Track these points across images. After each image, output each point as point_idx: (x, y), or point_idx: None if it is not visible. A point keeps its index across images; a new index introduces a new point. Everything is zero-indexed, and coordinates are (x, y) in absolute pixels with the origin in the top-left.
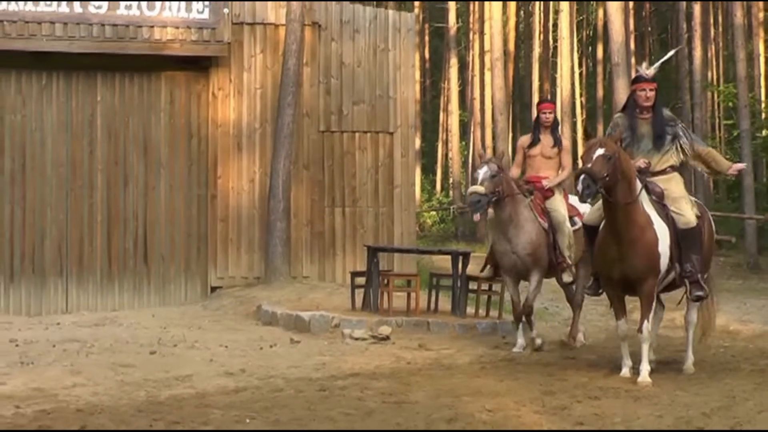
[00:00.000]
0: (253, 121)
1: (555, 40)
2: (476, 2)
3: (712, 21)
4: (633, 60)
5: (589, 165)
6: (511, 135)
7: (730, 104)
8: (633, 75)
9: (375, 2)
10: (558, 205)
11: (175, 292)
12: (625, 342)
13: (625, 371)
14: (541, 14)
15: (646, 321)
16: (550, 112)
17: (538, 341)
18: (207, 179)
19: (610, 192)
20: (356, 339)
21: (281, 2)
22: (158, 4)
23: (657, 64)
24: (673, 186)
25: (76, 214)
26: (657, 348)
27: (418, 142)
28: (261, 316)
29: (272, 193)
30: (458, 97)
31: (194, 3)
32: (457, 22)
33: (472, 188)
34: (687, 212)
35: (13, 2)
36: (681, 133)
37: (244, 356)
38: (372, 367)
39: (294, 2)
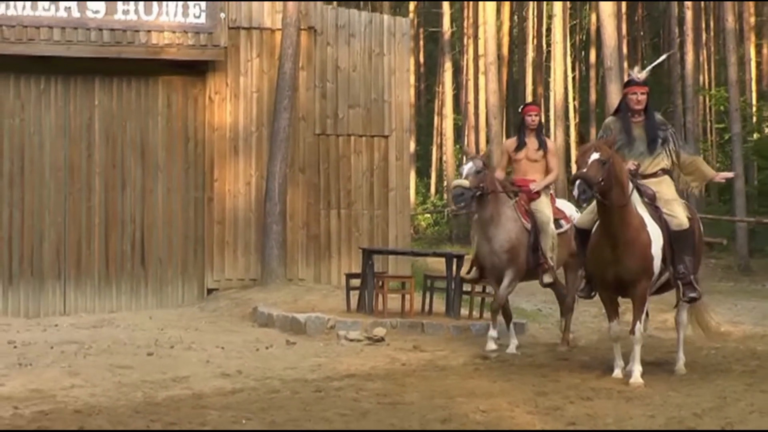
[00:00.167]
0: (249, 124)
1: (548, 45)
2: (470, 7)
3: (703, 25)
4: (625, 64)
5: (585, 170)
6: (504, 138)
7: (722, 108)
8: (625, 79)
9: (370, 7)
10: (543, 206)
11: (172, 294)
12: (618, 343)
13: (618, 372)
14: (535, 19)
15: (638, 322)
16: (535, 115)
17: (493, 345)
18: (204, 182)
19: (605, 196)
20: (351, 340)
21: (277, 6)
22: (155, 9)
23: (648, 68)
24: (665, 188)
25: (74, 217)
26: (649, 349)
27: (412, 146)
28: (257, 318)
29: (268, 195)
30: (452, 100)
31: (191, 8)
32: (452, 27)
33: (457, 182)
34: (679, 214)
35: (11, 7)
36: (670, 139)
37: (241, 358)
38: (367, 368)
39: (290, 6)
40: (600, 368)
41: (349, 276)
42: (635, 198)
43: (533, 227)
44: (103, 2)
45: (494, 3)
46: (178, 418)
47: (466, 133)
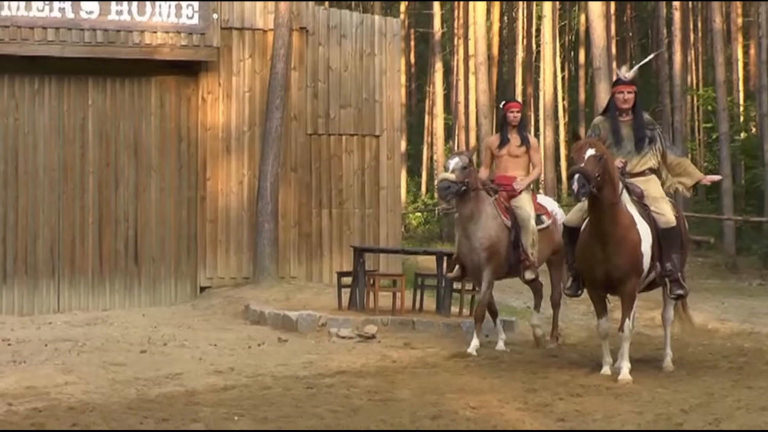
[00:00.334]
0: (241, 124)
1: (538, 45)
2: (461, 8)
3: (691, 26)
4: (614, 64)
5: (582, 164)
6: None
7: (710, 108)
8: (614, 78)
9: (361, 8)
10: (524, 202)
11: (165, 292)
12: (606, 341)
13: (606, 369)
14: (525, 19)
15: (627, 320)
16: (517, 111)
17: (473, 351)
18: (197, 181)
19: (600, 192)
20: (343, 338)
21: (269, 6)
22: (149, 9)
23: (636, 68)
24: (652, 187)
25: (68, 216)
26: (637, 346)
27: (403, 145)
28: (249, 316)
29: (260, 194)
30: (443, 100)
31: (184, 9)
32: (442, 28)
33: (443, 175)
34: (667, 212)
35: (5, 7)
36: (658, 138)
37: (233, 355)
38: (358, 365)
39: (282, 7)
40: (589, 365)
41: (341, 274)
42: (624, 196)
43: (514, 224)
44: (96, 3)
45: (484, 4)
46: (170, 414)
47: (457, 132)
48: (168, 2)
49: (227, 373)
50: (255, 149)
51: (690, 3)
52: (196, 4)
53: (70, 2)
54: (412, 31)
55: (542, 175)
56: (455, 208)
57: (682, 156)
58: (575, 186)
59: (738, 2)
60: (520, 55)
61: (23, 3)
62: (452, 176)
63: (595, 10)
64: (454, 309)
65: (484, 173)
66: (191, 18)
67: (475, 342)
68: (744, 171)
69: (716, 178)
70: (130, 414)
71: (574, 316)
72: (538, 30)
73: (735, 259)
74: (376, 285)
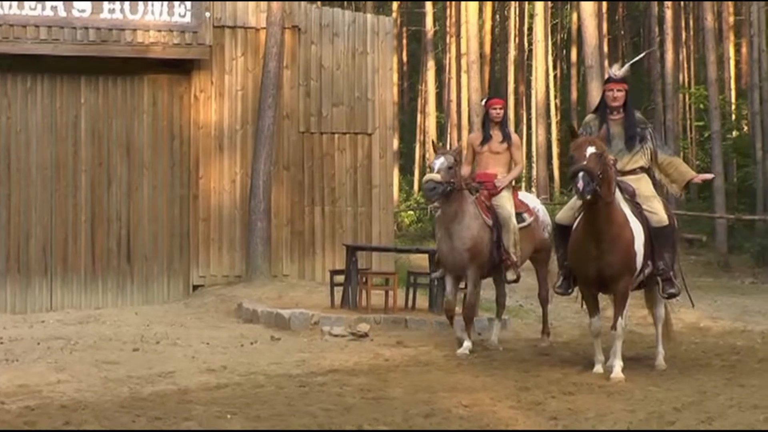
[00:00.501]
0: (234, 122)
1: (530, 43)
2: (453, 6)
3: (683, 25)
4: (606, 63)
5: (585, 162)
6: None
7: (701, 106)
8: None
9: (353, 6)
10: (504, 201)
11: (158, 291)
12: (598, 339)
13: (599, 367)
14: (517, 18)
15: (620, 318)
16: (500, 108)
17: (466, 350)
18: (189, 180)
19: (599, 189)
20: (335, 336)
21: (262, 5)
22: (141, 8)
23: (626, 66)
24: (643, 186)
25: (61, 214)
26: (630, 344)
27: (396, 143)
28: (242, 314)
29: (253, 193)
30: (435, 99)
31: (176, 7)
32: (434, 26)
33: (429, 176)
34: (660, 211)
35: None
36: (648, 138)
37: (226, 353)
38: (351, 363)
39: (275, 5)
40: (581, 363)
41: (333, 272)
42: (617, 194)
43: (495, 223)
44: (89, 1)
45: (476, 2)
46: (163, 412)
47: (449, 130)
48: (160, 1)
49: (220, 371)
50: (247, 148)
51: (682, 1)
52: (188, 2)
53: (62, 1)
54: (404, 29)
55: (534, 173)
56: (439, 207)
57: (673, 155)
58: (580, 184)
59: (729, 1)
60: (512, 53)
61: (16, 1)
62: (438, 177)
63: (587, 8)
64: None
65: (465, 170)
66: (183, 16)
67: (467, 343)
68: (736, 169)
69: (708, 176)
70: (122, 412)
71: (567, 314)
72: (530, 28)
73: (727, 258)
74: (369, 283)
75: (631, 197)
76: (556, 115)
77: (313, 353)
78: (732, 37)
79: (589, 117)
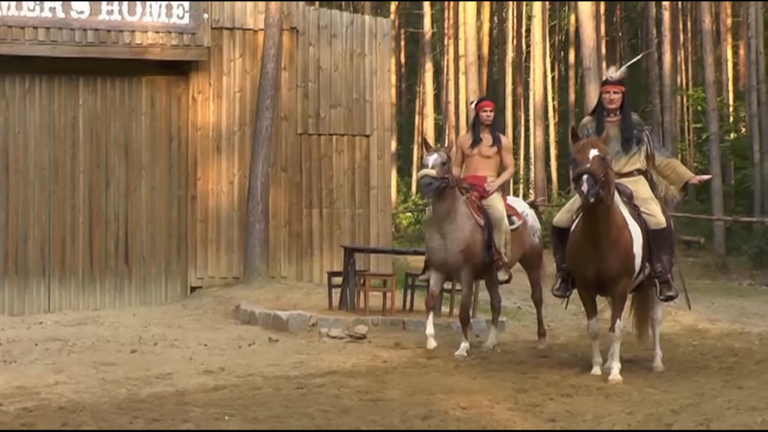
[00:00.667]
0: (232, 124)
1: (528, 45)
2: (451, 8)
3: (681, 26)
4: (604, 64)
5: (589, 165)
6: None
7: (699, 108)
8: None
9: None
10: (495, 202)
11: (156, 292)
12: (596, 341)
13: (597, 369)
14: (515, 20)
15: (618, 320)
16: (490, 111)
17: (463, 353)
18: (187, 181)
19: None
20: (333, 338)
21: (260, 6)
22: (139, 9)
23: (623, 68)
24: (641, 188)
25: (59, 216)
26: (627, 346)
27: (394, 145)
28: (240, 316)
29: (251, 194)
30: (433, 100)
31: (175, 8)
32: (433, 28)
33: (424, 171)
34: (657, 213)
35: None
36: (645, 140)
37: (224, 355)
38: (349, 365)
39: (272, 7)
40: (579, 365)
41: (331, 274)
42: (615, 197)
43: (486, 224)
44: (87, 3)
45: (474, 4)
46: (161, 414)
47: (447, 132)
48: (158, 2)
49: (218, 373)
50: (245, 149)
51: (679, 3)
52: (186, 3)
53: (60, 2)
54: (402, 31)
55: (532, 175)
56: (430, 206)
57: (671, 157)
58: (585, 187)
59: (727, 3)
60: (510, 55)
61: (14, 3)
62: (433, 172)
63: (585, 10)
64: (445, 309)
65: (456, 172)
66: (182, 18)
67: (464, 344)
68: (734, 171)
69: (705, 177)
70: (120, 414)
71: (565, 316)
72: (528, 30)
73: (725, 259)
74: (367, 285)
75: (629, 199)
76: (554, 116)
77: (310, 355)
78: (730, 39)
79: (586, 119)
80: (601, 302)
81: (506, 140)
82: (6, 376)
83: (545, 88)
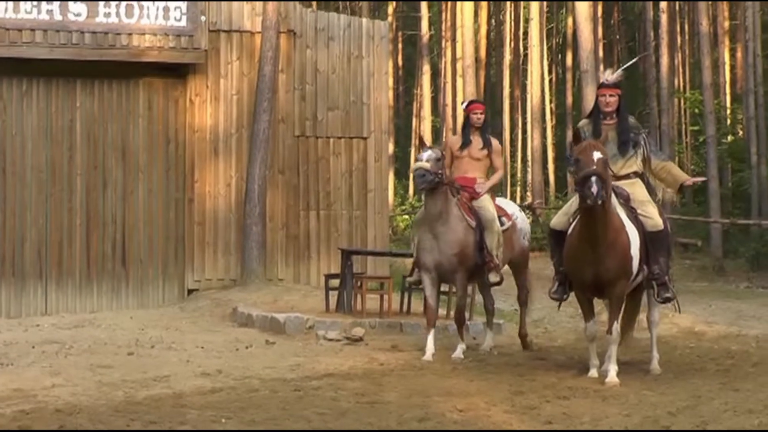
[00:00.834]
0: (229, 126)
1: (525, 48)
2: (448, 10)
3: (678, 29)
4: (602, 67)
5: (595, 167)
6: None
7: (697, 111)
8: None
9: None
10: (486, 203)
11: (153, 295)
12: (593, 343)
13: (594, 372)
14: (512, 22)
15: (615, 322)
16: (481, 113)
17: (460, 354)
18: (184, 183)
19: None
20: (330, 340)
21: (257, 9)
22: (137, 11)
23: (619, 71)
24: (638, 190)
25: (56, 218)
26: (624, 349)
27: (391, 147)
28: (237, 318)
29: (248, 197)
30: (431, 103)
31: (172, 11)
32: (430, 30)
33: (418, 164)
34: (654, 215)
35: None
36: (642, 143)
37: (221, 357)
38: (346, 367)
39: (270, 9)
40: (576, 368)
41: (328, 276)
42: (613, 199)
43: (478, 225)
44: (84, 5)
45: (472, 6)
46: (158, 417)
47: (444, 134)
48: (156, 4)
49: (215, 375)
50: (243, 151)
51: (677, 6)
52: (183, 6)
53: (57, 4)
54: (399, 33)
55: (530, 177)
56: (423, 204)
57: (667, 160)
58: (595, 189)
59: (725, 5)
60: (507, 57)
61: (11, 4)
62: (427, 165)
63: (583, 12)
64: (442, 311)
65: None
66: (179, 20)
67: (461, 346)
68: (731, 174)
69: (700, 179)
70: (117, 416)
71: (562, 318)
72: (526, 33)
73: (722, 262)
74: (364, 287)
75: (626, 201)
76: (552, 119)
77: (307, 357)
78: (727, 42)
79: (583, 122)
80: (599, 305)
81: (496, 143)
82: (3, 379)
83: (542, 91)
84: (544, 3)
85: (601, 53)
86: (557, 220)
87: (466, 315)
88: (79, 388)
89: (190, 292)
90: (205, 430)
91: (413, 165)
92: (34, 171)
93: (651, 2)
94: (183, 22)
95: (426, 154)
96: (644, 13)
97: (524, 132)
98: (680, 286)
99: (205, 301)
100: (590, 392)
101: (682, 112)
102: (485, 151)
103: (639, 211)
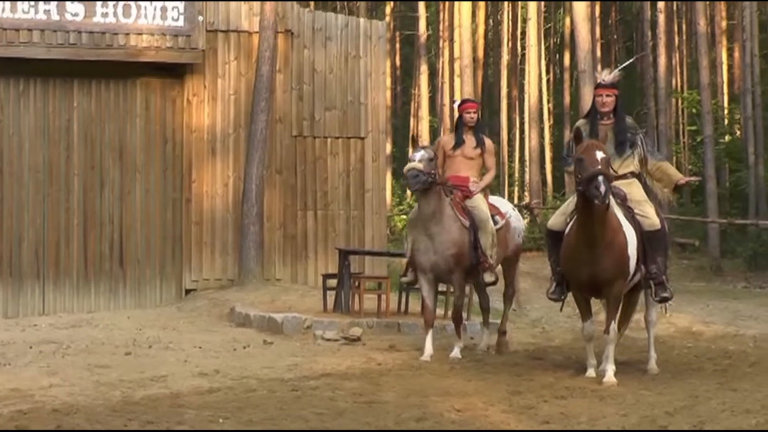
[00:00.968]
0: (227, 126)
1: (523, 48)
2: (446, 10)
3: (676, 29)
4: (599, 67)
5: (600, 167)
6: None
7: (694, 111)
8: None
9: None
10: (480, 202)
11: (151, 294)
12: (591, 343)
13: (591, 372)
14: (510, 22)
15: (613, 322)
16: (474, 112)
17: (458, 354)
18: (182, 183)
19: None
20: (328, 340)
21: (255, 8)
22: (134, 11)
23: (616, 71)
24: (634, 190)
25: (53, 218)
26: (622, 349)
27: (388, 147)
28: (234, 318)
29: (246, 197)
30: (428, 103)
31: (169, 11)
32: (428, 30)
33: (410, 164)
34: (652, 215)
35: None
36: (639, 143)
37: (218, 357)
38: (343, 367)
39: (267, 9)
40: (574, 368)
41: (326, 276)
42: (611, 199)
43: (471, 225)
44: (82, 5)
45: (469, 6)
46: (155, 417)
47: (442, 134)
48: (153, 4)
49: (212, 375)
50: (240, 151)
51: (674, 6)
52: (181, 6)
53: (55, 4)
54: (397, 33)
55: (527, 177)
56: (417, 204)
57: (663, 160)
58: (603, 188)
59: (722, 5)
60: (505, 57)
61: (8, 4)
62: (420, 165)
63: (580, 12)
64: (439, 311)
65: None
66: (177, 20)
67: (458, 345)
68: (728, 174)
69: (694, 179)
70: (114, 416)
71: (559, 318)
72: (523, 33)
73: (720, 262)
74: (362, 287)
75: (623, 201)
76: (549, 119)
77: (305, 357)
78: (725, 42)
79: (580, 122)
80: (596, 305)
81: (489, 142)
82: (0, 379)
83: (540, 91)
84: (542, 3)
85: (598, 53)
86: (554, 221)
87: (464, 315)
88: (77, 388)
89: (187, 292)
90: (203, 430)
91: (406, 166)
92: (31, 171)
93: (649, 2)
94: (180, 22)
95: (419, 155)
96: (642, 13)
97: (522, 132)
98: (678, 285)
99: (203, 301)
100: (588, 392)
101: (680, 112)
102: (478, 150)
103: (636, 210)
